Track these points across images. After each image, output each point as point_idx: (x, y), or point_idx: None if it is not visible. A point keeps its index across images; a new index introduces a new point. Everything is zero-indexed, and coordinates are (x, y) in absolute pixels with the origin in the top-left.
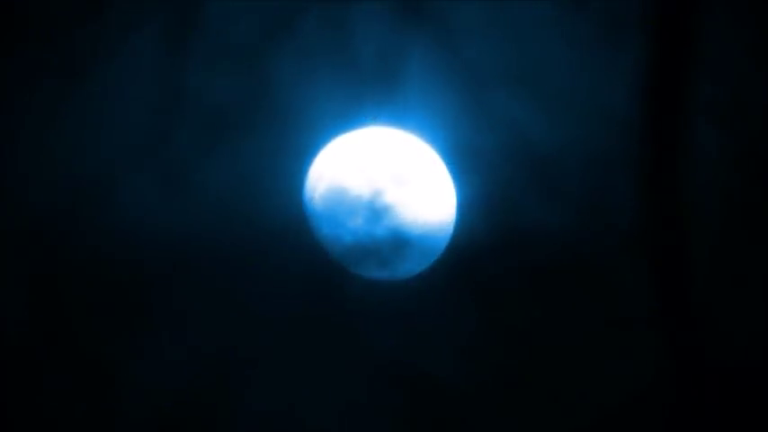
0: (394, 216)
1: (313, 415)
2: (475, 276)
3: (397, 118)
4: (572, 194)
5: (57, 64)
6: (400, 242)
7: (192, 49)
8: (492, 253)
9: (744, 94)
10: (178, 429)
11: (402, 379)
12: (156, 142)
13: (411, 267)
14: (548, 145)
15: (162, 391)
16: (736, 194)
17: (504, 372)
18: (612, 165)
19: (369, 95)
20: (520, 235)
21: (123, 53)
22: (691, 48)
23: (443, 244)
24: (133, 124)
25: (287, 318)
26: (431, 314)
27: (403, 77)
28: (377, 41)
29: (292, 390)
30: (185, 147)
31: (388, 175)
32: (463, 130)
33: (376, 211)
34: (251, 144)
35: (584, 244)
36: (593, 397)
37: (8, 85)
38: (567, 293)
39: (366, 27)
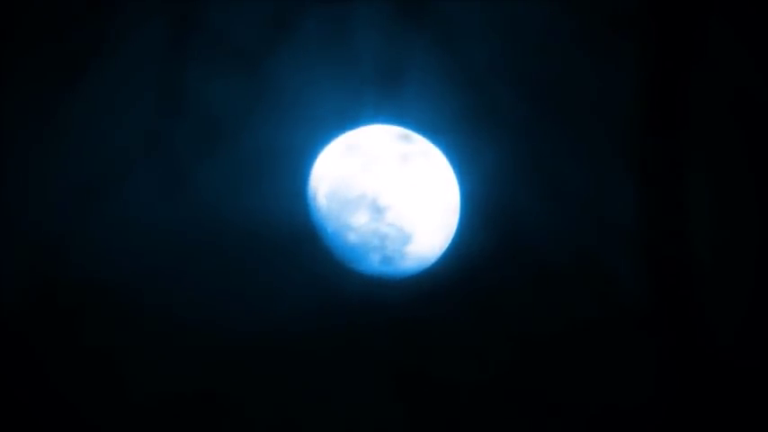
0: (397, 214)
1: (312, 413)
2: (476, 274)
3: (399, 116)
4: (572, 193)
5: (57, 64)
6: (403, 239)
7: (192, 49)
8: (493, 251)
9: (744, 93)
10: (175, 422)
11: (402, 378)
12: (157, 142)
13: (414, 265)
14: (548, 144)
15: (163, 391)
16: (737, 194)
17: (504, 372)
18: (613, 164)
19: (370, 94)
20: (521, 234)
21: (123, 53)
22: (691, 47)
23: (446, 241)
24: (133, 124)
25: (288, 316)
26: (432, 313)
27: (404, 76)
28: (377, 41)
29: (292, 388)
30: (186, 146)
31: (390, 172)
32: (464, 129)
33: (379, 208)
34: (252, 143)
35: (585, 243)
36: (593, 397)
37: (8, 84)
38: (567, 293)
39: (366, 26)
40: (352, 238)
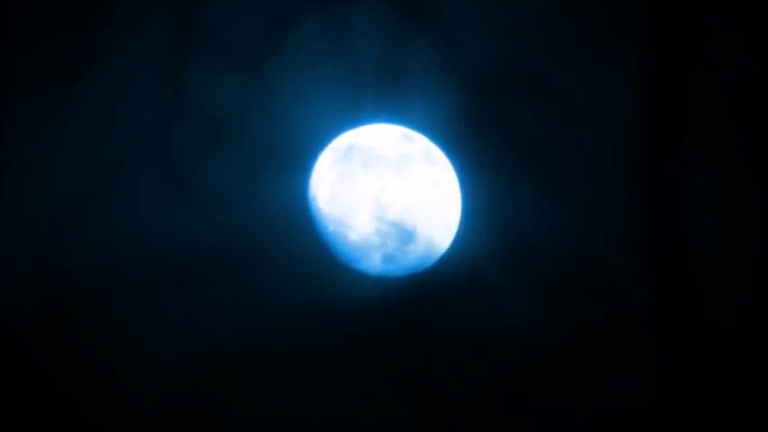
0: (398, 213)
1: (313, 413)
2: (477, 274)
3: (399, 116)
4: (573, 193)
5: (57, 64)
6: (405, 238)
7: (191, 49)
8: (494, 250)
9: (744, 93)
10: (178, 427)
11: (405, 378)
12: (157, 143)
13: (415, 264)
14: (548, 144)
15: (162, 391)
16: (737, 194)
17: (506, 372)
18: (614, 164)
19: (370, 94)
20: (521, 233)
21: (123, 53)
22: (691, 47)
23: (447, 240)
24: (133, 125)
25: (289, 316)
26: (434, 312)
27: (404, 76)
28: (377, 40)
29: (293, 388)
30: (186, 147)
31: (390, 172)
32: (465, 128)
33: (380, 207)
34: (253, 143)
35: (585, 243)
36: (595, 398)
37: (8, 85)
38: (568, 293)
39: (367, 26)
40: (353, 237)
